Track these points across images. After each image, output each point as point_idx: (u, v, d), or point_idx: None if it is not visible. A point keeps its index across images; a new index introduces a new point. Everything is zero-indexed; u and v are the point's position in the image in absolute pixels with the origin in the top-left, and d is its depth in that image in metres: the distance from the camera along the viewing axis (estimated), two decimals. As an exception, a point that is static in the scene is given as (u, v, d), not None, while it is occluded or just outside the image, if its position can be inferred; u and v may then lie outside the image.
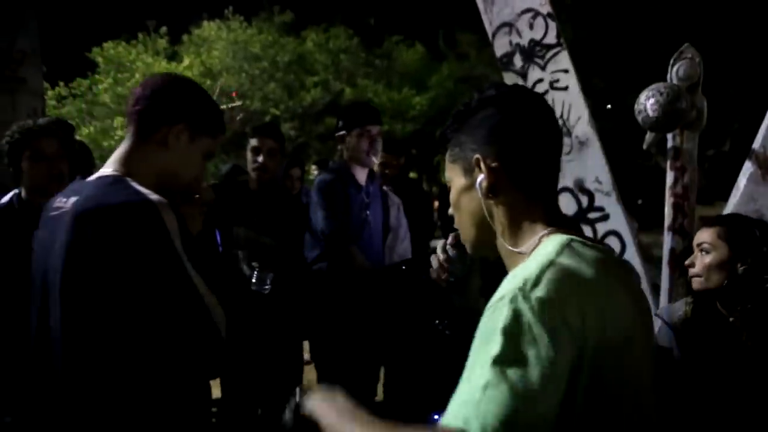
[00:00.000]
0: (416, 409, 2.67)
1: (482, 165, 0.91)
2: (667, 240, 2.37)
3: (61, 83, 14.18)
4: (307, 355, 3.06)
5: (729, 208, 2.28)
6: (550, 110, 0.97)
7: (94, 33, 14.89)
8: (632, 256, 2.56)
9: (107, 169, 1.34)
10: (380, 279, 2.70)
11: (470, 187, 0.94)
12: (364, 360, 2.64)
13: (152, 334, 1.18)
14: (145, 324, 1.18)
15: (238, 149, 11.91)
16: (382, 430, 0.82)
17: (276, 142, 2.71)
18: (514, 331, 0.74)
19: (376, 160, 2.71)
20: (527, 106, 0.94)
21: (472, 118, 0.95)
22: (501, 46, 2.80)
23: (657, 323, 1.71)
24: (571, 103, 2.67)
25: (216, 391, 2.62)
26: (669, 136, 2.38)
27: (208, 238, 2.37)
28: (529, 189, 0.92)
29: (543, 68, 2.72)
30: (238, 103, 3.01)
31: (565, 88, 2.68)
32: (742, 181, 2.27)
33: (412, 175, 15.93)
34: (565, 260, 0.81)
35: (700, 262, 1.65)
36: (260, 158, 2.62)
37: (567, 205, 2.67)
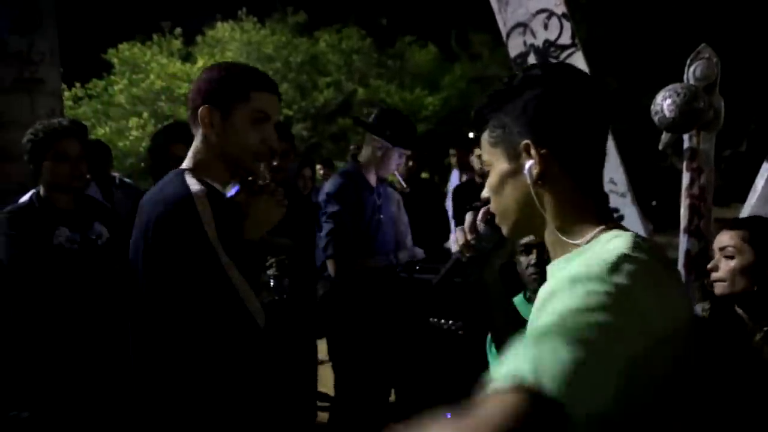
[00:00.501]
0: (429, 408, 2.67)
1: (532, 151, 0.86)
2: (683, 242, 2.35)
3: (77, 84, 14.36)
4: (321, 355, 3.08)
5: (746, 209, 2.25)
6: (602, 92, 0.91)
7: (109, 34, 15.06)
8: (647, 257, 2.53)
9: (184, 163, 1.44)
10: (394, 280, 2.70)
11: (515, 172, 0.89)
12: (381, 360, 2.65)
13: (187, 319, 1.26)
14: (181, 310, 1.26)
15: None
16: None
17: (288, 143, 2.73)
18: (588, 308, 0.69)
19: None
20: (579, 86, 0.89)
21: (517, 98, 0.89)
22: (515, 46, 2.79)
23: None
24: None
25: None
26: (685, 136, 2.36)
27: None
28: (580, 177, 0.88)
29: (557, 69, 2.70)
30: None
31: (580, 89, 2.66)
32: (759, 182, 2.24)
33: (424, 175, 15.91)
34: (640, 255, 0.79)
35: (724, 266, 1.62)
36: (275, 162, 2.64)
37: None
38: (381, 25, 17.64)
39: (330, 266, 2.57)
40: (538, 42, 2.74)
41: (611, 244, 0.82)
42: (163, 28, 15.67)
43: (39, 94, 3.21)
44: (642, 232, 2.59)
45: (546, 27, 2.73)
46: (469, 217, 1.14)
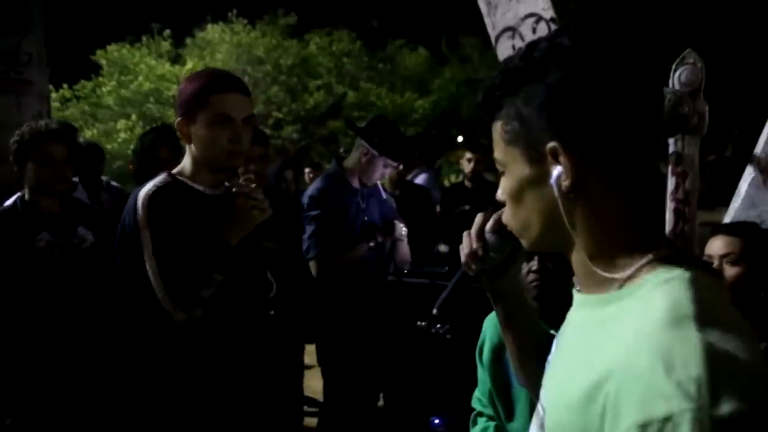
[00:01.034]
0: (417, 413, 2.67)
1: (561, 158, 0.65)
2: (669, 245, 2.37)
3: (65, 85, 14.25)
4: (307, 360, 3.07)
5: (730, 213, 2.28)
6: (654, 71, 0.70)
7: (98, 35, 14.96)
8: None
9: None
10: (383, 284, 2.70)
11: (539, 179, 0.68)
12: (369, 365, 2.65)
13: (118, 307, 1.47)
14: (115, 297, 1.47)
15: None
16: None
17: (263, 146, 2.74)
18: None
19: None
20: (623, 65, 0.66)
21: (539, 81, 0.66)
22: (504, 50, 2.81)
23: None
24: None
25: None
26: (670, 141, 2.38)
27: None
28: (624, 187, 0.67)
29: (545, 73, 2.72)
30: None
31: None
32: (743, 186, 2.27)
33: (414, 178, 15.92)
34: (714, 334, 0.56)
35: (729, 272, 1.62)
36: (251, 166, 2.64)
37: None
38: (371, 27, 17.67)
39: (312, 267, 2.57)
40: (527, 47, 2.76)
41: (666, 302, 0.60)
42: (153, 29, 15.61)
43: (26, 96, 3.18)
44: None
45: (534, 31, 2.75)
46: (477, 220, 0.95)
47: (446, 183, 18.44)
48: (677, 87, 2.31)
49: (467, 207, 3.86)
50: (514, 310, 0.98)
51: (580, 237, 0.69)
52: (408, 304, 2.66)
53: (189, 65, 14.39)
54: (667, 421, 0.52)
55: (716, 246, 1.68)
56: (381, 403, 3.13)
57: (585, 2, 12.90)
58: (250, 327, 1.51)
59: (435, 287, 2.66)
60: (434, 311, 1.02)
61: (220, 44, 15.56)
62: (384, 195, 2.83)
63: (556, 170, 0.66)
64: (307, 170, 5.79)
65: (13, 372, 2.07)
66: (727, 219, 2.24)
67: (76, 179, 2.78)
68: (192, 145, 1.49)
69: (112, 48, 15.03)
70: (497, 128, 0.72)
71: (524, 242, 0.76)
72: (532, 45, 0.69)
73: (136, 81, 14.15)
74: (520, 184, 0.71)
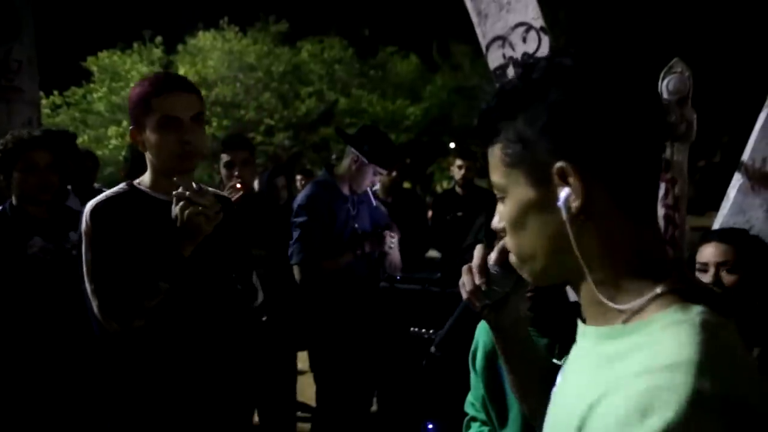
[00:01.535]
0: (410, 418, 2.67)
1: (570, 178, 0.64)
2: (659, 251, 2.40)
3: (56, 92, 14.20)
4: (300, 365, 3.06)
5: (719, 219, 2.31)
6: (654, 89, 0.70)
7: (89, 42, 14.94)
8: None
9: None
10: (373, 289, 2.71)
11: (544, 203, 0.66)
12: (362, 370, 2.65)
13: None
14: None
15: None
16: None
17: (248, 151, 2.73)
18: None
19: None
20: (626, 82, 0.65)
21: (540, 100, 0.65)
22: (494, 59, 2.84)
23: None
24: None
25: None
26: (660, 148, 2.41)
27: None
28: (634, 210, 0.65)
29: (536, 81, 2.75)
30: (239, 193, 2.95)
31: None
32: (731, 192, 2.30)
33: (405, 185, 15.97)
34: (712, 382, 0.54)
35: (725, 280, 1.62)
36: (236, 171, 2.64)
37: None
38: (363, 35, 17.76)
39: (296, 273, 2.58)
40: (517, 55, 2.78)
41: (675, 340, 0.58)
42: (144, 36, 15.59)
43: (16, 103, 3.16)
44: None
45: (524, 40, 2.78)
46: (477, 253, 0.90)
47: (438, 189, 18.47)
48: (665, 95, 2.35)
49: (459, 213, 3.87)
50: (516, 341, 0.94)
51: (588, 263, 0.66)
52: (400, 310, 2.66)
53: (180, 72, 14.38)
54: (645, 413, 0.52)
55: (710, 253, 1.68)
56: (374, 408, 3.12)
57: (574, 12, 13.04)
58: (205, 334, 1.48)
59: (427, 293, 2.67)
60: (432, 349, 0.96)
61: (212, 51, 15.56)
62: (374, 202, 2.83)
63: (564, 192, 0.64)
64: (298, 177, 5.78)
65: (9, 377, 2.06)
66: (716, 225, 2.26)
67: (69, 187, 2.76)
68: (147, 152, 1.47)
69: (103, 55, 15.00)
70: (495, 152, 0.70)
71: (526, 274, 0.73)
72: (530, 66, 0.68)
73: (127, 87, 14.10)
74: (524, 208, 0.68)
